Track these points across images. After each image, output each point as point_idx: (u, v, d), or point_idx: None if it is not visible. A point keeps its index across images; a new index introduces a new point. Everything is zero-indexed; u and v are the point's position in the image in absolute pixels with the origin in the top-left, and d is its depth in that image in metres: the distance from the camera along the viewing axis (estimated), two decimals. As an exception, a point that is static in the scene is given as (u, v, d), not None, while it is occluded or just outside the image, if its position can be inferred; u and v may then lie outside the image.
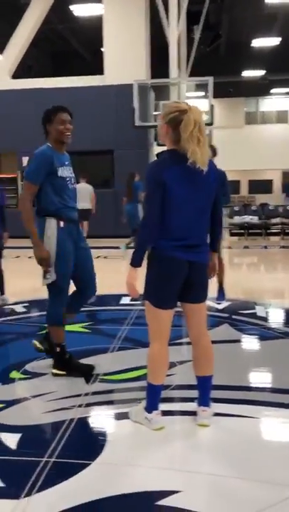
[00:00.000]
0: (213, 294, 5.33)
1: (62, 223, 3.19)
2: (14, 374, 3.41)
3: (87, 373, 3.33)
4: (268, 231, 13.00)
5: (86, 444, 2.51)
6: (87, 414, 2.82)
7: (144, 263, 2.53)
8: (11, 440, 2.52)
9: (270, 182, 24.48)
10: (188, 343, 2.76)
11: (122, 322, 4.65)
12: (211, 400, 2.69)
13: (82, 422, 2.72)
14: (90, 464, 2.29)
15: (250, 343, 4.23)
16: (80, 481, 2.17)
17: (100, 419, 2.82)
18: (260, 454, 2.39)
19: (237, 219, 13.13)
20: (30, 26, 13.26)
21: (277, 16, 15.02)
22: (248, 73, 19.64)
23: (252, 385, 3.31)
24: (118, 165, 12.63)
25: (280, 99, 24.05)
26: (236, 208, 13.61)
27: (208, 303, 5.08)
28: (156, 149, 11.07)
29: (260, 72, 19.58)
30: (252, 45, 16.75)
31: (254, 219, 13.11)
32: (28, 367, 3.52)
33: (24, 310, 5.22)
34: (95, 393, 3.08)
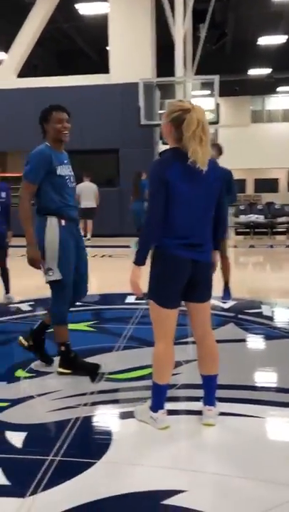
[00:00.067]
0: (219, 293, 5.32)
1: (63, 222, 3.20)
2: (19, 372, 3.42)
3: (93, 372, 3.33)
4: (274, 230, 12.95)
5: (91, 443, 2.52)
6: (92, 413, 2.82)
7: (148, 262, 2.53)
8: (17, 439, 2.52)
9: (276, 181, 24.39)
10: (194, 342, 2.75)
11: (128, 321, 4.65)
12: (216, 400, 2.69)
13: (88, 421, 2.72)
14: (95, 462, 2.29)
15: (255, 342, 4.22)
16: (85, 480, 2.17)
17: (105, 418, 2.82)
18: (266, 454, 2.38)
19: (243, 218, 13.09)
20: (35, 25, 13.27)
21: (283, 14, 14.94)
22: (254, 71, 19.55)
23: (257, 385, 3.30)
24: (123, 163, 12.63)
25: (286, 97, 23.94)
26: (242, 207, 13.57)
27: (214, 302, 5.09)
28: (162, 148, 11.06)
29: (266, 71, 19.50)
30: (258, 43, 16.67)
31: (260, 218, 13.06)
32: (34, 365, 3.52)
33: (29, 308, 5.23)
34: (100, 392, 3.08)
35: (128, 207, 10.70)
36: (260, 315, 4.89)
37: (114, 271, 7.87)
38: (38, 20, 13.26)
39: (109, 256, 9.55)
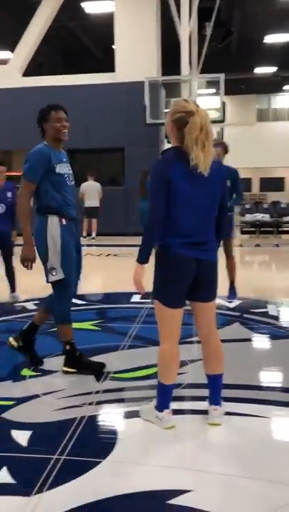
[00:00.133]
0: (224, 293, 5.31)
1: (64, 221, 3.21)
2: (25, 371, 3.43)
3: (98, 371, 3.34)
4: (280, 229, 12.92)
5: (96, 442, 2.51)
6: (97, 412, 2.82)
7: (153, 261, 2.53)
8: (22, 437, 2.53)
9: (281, 180, 24.28)
10: (199, 342, 2.75)
11: (133, 320, 4.65)
12: (222, 399, 2.68)
13: (93, 420, 2.72)
14: (100, 462, 2.29)
15: (261, 342, 4.20)
16: (90, 479, 2.17)
17: (111, 417, 2.82)
18: (271, 454, 2.37)
19: (248, 217, 13.07)
20: (41, 24, 13.28)
21: (289, 12, 14.87)
22: (259, 70, 19.47)
23: (263, 385, 3.29)
24: (129, 162, 12.62)
25: (292, 96, 23.83)
26: (248, 206, 13.55)
27: (220, 301, 5.09)
28: (167, 146, 11.04)
29: (272, 69, 19.41)
30: (264, 41, 16.61)
31: (266, 217, 13.04)
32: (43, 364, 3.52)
33: (35, 307, 5.23)
34: (105, 391, 3.08)
35: (134, 205, 10.70)
36: (265, 314, 4.87)
37: (120, 270, 7.87)
38: (43, 18, 13.27)
39: (115, 255, 9.55)
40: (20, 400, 2.97)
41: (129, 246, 9.55)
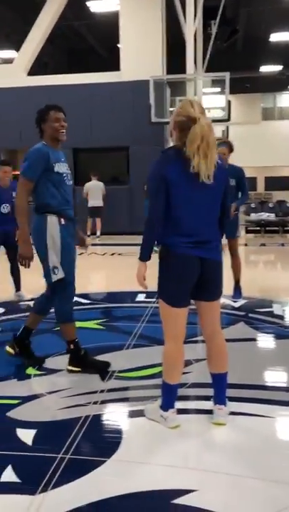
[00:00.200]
0: (229, 292, 5.29)
1: (63, 221, 3.21)
2: (30, 370, 3.43)
3: (103, 370, 3.34)
4: (285, 228, 12.86)
5: (101, 441, 2.51)
6: (102, 411, 2.82)
7: (156, 259, 2.53)
8: (27, 436, 2.53)
9: (287, 179, 24.13)
10: (204, 341, 2.74)
11: (138, 319, 4.64)
12: (227, 399, 2.67)
13: (98, 419, 2.72)
14: (105, 461, 2.29)
15: (266, 341, 4.19)
16: (95, 478, 2.17)
17: (116, 416, 2.82)
18: (276, 454, 2.36)
19: (253, 216, 13.03)
20: (46, 23, 13.29)
21: (295, 10, 14.81)
22: (265, 68, 19.40)
23: (268, 384, 3.28)
24: (133, 161, 12.62)
25: (298, 94, 23.74)
26: (253, 205, 13.51)
27: (225, 301, 5.07)
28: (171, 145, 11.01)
29: (277, 68, 19.34)
30: (269, 39, 16.55)
31: (271, 216, 12.99)
32: (44, 363, 3.53)
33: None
34: (110, 390, 3.08)
35: (138, 204, 10.69)
36: (270, 314, 4.86)
37: (125, 269, 7.87)
38: (48, 18, 13.28)
39: (119, 254, 9.55)
40: (25, 399, 2.98)
41: (134, 245, 9.55)
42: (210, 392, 2.72)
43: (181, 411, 2.66)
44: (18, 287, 5.65)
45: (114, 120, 12.48)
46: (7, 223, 5.45)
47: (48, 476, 2.17)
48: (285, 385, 3.28)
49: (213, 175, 2.41)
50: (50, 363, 3.54)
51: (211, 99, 14.24)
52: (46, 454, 2.36)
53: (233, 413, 2.67)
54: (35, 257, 3.25)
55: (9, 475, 2.20)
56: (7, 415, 2.77)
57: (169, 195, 2.43)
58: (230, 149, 5.23)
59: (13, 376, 3.36)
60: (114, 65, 13.24)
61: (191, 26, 11.40)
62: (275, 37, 16.38)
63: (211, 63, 14.15)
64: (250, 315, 4.82)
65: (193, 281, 2.50)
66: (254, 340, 4.16)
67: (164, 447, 2.42)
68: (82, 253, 9.51)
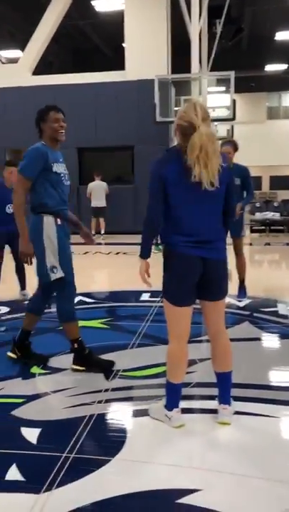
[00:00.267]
0: (234, 292, 5.28)
1: (59, 221, 3.23)
2: (35, 369, 3.44)
3: (107, 369, 3.34)
4: (290, 228, 12.85)
5: (105, 441, 2.51)
6: (106, 410, 2.82)
7: (161, 258, 2.54)
8: (32, 435, 2.53)
9: (292, 178, 24.11)
10: (209, 341, 2.74)
11: (142, 318, 4.64)
12: (231, 398, 2.67)
13: (102, 418, 2.72)
14: (109, 460, 2.29)
15: (271, 341, 4.18)
16: (99, 478, 2.17)
17: (120, 415, 2.82)
18: (281, 454, 2.35)
19: (258, 215, 13.00)
20: (51, 23, 13.30)
21: (301, 9, 14.74)
22: (270, 67, 19.33)
23: (273, 384, 3.27)
24: (138, 160, 12.61)
25: (303, 93, 23.63)
26: (258, 205, 13.48)
27: (229, 300, 5.06)
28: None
29: (282, 66, 19.26)
30: (275, 38, 16.49)
31: (276, 215, 12.96)
32: (49, 362, 3.53)
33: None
34: (114, 389, 3.08)
35: (143, 204, 10.69)
36: (275, 313, 4.84)
37: (129, 268, 7.85)
38: (53, 17, 13.30)
39: (124, 253, 9.55)
40: (30, 398, 2.98)
41: (139, 244, 9.54)
42: (214, 391, 2.72)
43: (185, 410, 2.66)
44: (23, 286, 5.66)
45: (119, 119, 12.48)
46: (12, 223, 5.45)
47: (52, 475, 2.18)
48: (290, 384, 3.26)
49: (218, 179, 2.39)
50: (54, 362, 3.54)
51: (216, 98, 14.20)
52: (51, 453, 2.36)
53: (237, 413, 2.67)
54: None
55: (14, 474, 2.21)
56: (12, 414, 2.77)
57: (169, 195, 2.43)
58: (235, 148, 5.21)
59: (18, 375, 3.37)
60: (119, 64, 13.24)
61: (196, 25, 11.38)
62: (281, 36, 16.32)
63: (216, 62, 14.12)
64: (255, 314, 4.80)
65: (195, 280, 2.50)
66: (259, 339, 4.14)
67: (168, 446, 2.42)
68: (86, 252, 9.55)
